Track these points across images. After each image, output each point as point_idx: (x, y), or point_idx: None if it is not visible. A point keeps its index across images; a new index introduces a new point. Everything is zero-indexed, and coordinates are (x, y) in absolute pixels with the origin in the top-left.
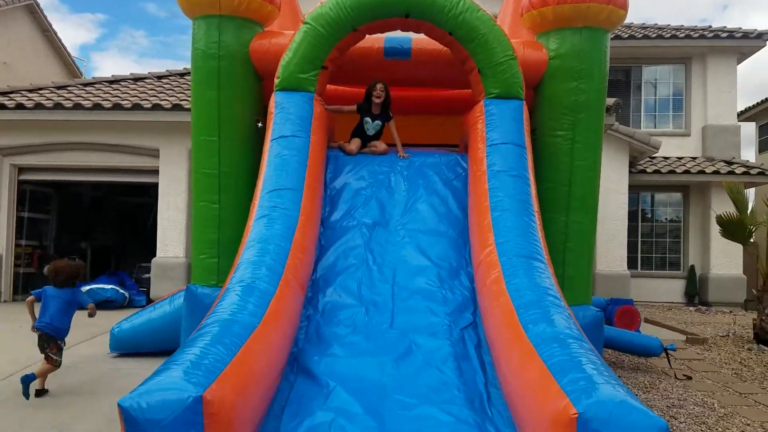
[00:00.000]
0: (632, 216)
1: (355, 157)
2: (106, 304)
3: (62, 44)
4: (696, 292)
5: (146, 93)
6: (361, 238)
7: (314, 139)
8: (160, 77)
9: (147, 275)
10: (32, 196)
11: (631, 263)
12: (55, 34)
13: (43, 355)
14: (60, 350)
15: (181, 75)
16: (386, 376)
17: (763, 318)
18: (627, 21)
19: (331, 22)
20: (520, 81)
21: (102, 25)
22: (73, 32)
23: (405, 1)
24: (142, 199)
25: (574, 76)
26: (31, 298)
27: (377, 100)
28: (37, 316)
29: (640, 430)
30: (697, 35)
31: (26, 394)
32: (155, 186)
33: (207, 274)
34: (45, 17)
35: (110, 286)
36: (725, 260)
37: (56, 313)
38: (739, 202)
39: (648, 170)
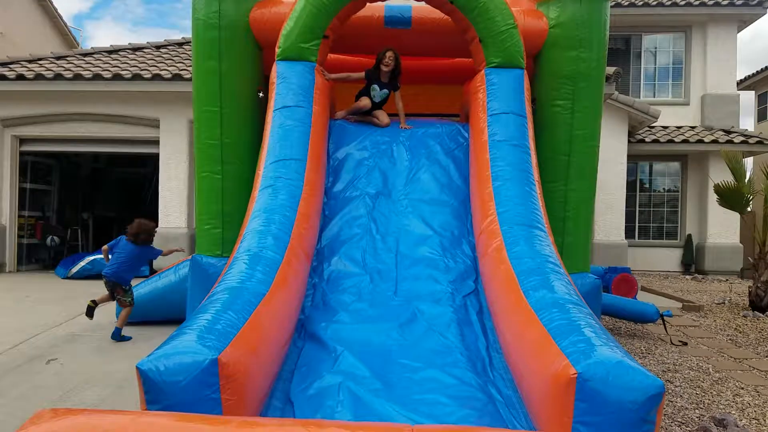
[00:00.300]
0: (630, 186)
1: (358, 127)
2: None
3: (58, 13)
4: (693, 261)
5: (146, 63)
6: (364, 208)
7: (316, 110)
8: (158, 47)
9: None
10: (34, 167)
11: (629, 233)
12: (51, 2)
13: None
14: (126, 291)
15: (180, 44)
16: (391, 341)
17: (759, 285)
18: None
19: None
20: (521, 50)
21: None
22: (68, 1)
23: None
24: (142, 170)
25: (574, 45)
26: (105, 247)
27: (385, 69)
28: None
29: (638, 390)
30: (697, 3)
31: (126, 338)
32: (156, 157)
33: (211, 244)
34: None
35: None
36: (722, 229)
37: (124, 263)
38: (737, 171)
39: (647, 140)
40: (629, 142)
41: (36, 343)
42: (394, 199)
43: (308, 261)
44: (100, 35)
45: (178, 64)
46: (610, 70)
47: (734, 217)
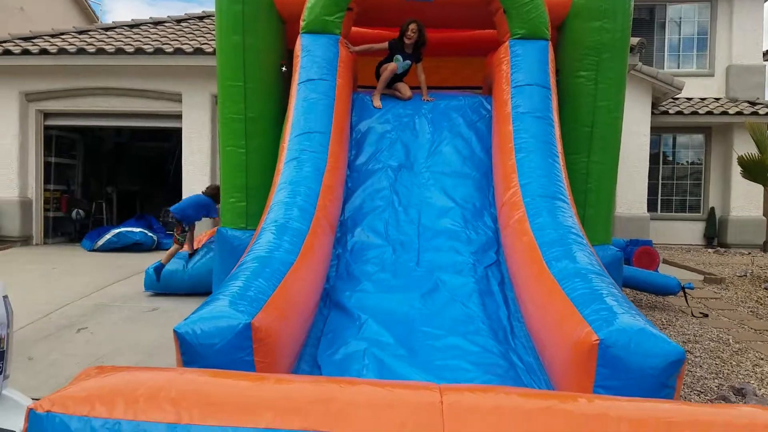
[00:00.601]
0: (653, 158)
1: (380, 100)
2: (134, 246)
3: None
4: (715, 234)
5: (167, 37)
6: (386, 181)
7: (340, 83)
8: (179, 21)
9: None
10: (58, 142)
11: (651, 206)
12: None
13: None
14: (183, 232)
15: (200, 18)
16: (414, 310)
17: None
18: None
19: None
20: (546, 21)
21: None
22: None
23: None
24: (165, 145)
25: (598, 16)
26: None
27: (408, 41)
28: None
29: (659, 356)
30: None
31: (158, 279)
32: (178, 131)
33: (236, 217)
34: None
35: (139, 230)
36: (745, 202)
37: (190, 205)
38: (762, 143)
39: (670, 111)
40: (653, 113)
41: (66, 313)
42: (416, 172)
43: (332, 232)
44: (119, 9)
45: (199, 38)
46: (634, 41)
47: (758, 189)
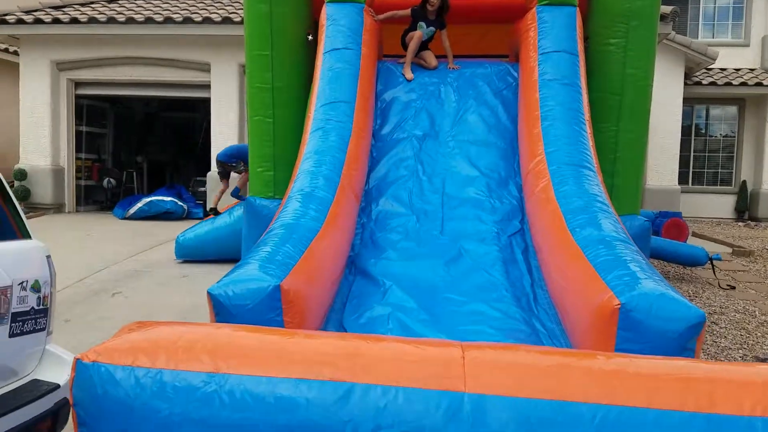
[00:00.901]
0: (685, 130)
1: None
2: (165, 215)
3: None
4: (746, 208)
5: (195, 6)
6: (411, 150)
7: (365, 52)
8: None
9: (203, 188)
10: (89, 111)
11: (683, 178)
12: None
13: None
14: (234, 166)
15: None
16: (437, 277)
17: None
18: None
19: None
20: None
21: None
22: None
23: None
24: (194, 114)
25: None
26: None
27: (431, 8)
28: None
29: (679, 320)
30: None
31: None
32: (207, 101)
33: (264, 186)
34: None
35: (169, 198)
36: None
37: (231, 153)
38: None
39: (703, 82)
40: (685, 84)
41: (100, 278)
42: (441, 141)
43: (357, 201)
44: None
45: (227, 7)
46: (667, 9)
47: None
